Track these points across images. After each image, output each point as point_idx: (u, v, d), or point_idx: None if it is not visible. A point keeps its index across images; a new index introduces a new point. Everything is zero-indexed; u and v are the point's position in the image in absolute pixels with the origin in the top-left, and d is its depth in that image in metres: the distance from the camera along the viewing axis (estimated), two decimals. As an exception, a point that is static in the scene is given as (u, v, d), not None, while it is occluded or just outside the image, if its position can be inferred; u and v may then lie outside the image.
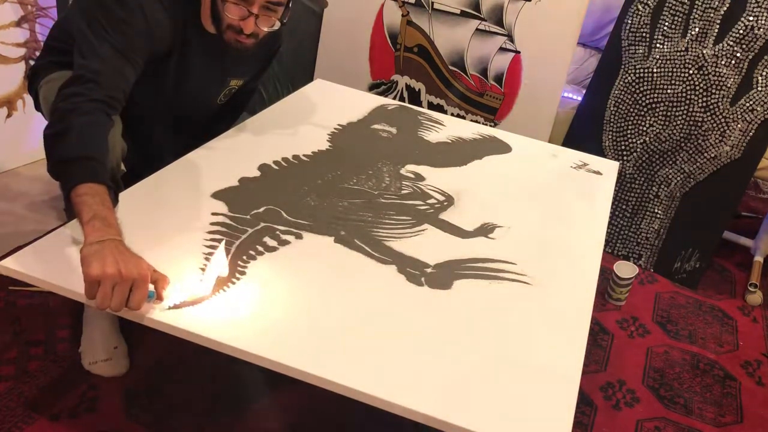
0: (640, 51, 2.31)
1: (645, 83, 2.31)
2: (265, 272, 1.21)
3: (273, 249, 1.28)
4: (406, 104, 2.19)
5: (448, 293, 1.24)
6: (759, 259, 2.38)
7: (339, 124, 1.83)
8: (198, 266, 1.18)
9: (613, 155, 2.37)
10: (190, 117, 1.69)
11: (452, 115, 2.54)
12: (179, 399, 1.50)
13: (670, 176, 2.31)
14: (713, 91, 2.22)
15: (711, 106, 2.23)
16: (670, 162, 2.31)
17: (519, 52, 2.45)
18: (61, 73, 1.47)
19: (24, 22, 2.25)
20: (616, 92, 2.36)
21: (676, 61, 2.26)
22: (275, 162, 1.57)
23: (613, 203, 2.11)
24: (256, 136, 1.69)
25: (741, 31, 2.17)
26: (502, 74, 2.49)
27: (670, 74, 2.27)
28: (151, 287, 1.05)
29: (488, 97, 2.53)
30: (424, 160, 1.72)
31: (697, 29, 2.23)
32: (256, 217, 1.35)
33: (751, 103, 2.17)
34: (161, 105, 1.59)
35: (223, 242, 1.25)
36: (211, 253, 1.21)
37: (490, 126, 2.39)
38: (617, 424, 1.66)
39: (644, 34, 2.30)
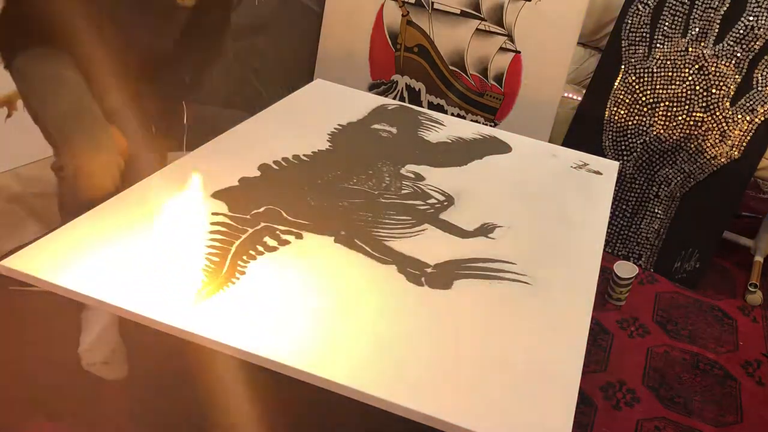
0: (640, 51, 2.31)
1: (645, 83, 2.31)
2: (265, 272, 1.21)
3: (273, 249, 1.28)
4: (406, 104, 2.19)
5: (448, 293, 1.24)
6: (759, 259, 2.38)
7: (339, 124, 1.83)
8: (198, 266, 1.18)
9: (613, 155, 2.37)
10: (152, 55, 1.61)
11: (452, 115, 2.54)
12: (179, 399, 1.50)
13: (670, 176, 2.31)
14: (713, 91, 2.22)
15: (711, 106, 2.23)
16: (670, 162, 2.31)
17: (519, 52, 2.45)
18: None
19: (24, 22, 2.24)
20: (616, 92, 2.36)
21: (677, 61, 2.26)
22: (275, 162, 1.57)
23: (613, 203, 2.11)
24: (256, 136, 1.69)
25: (741, 31, 2.17)
26: (502, 74, 2.49)
27: (670, 74, 2.27)
28: None
29: (488, 97, 2.53)
30: (424, 160, 1.72)
31: (697, 29, 2.23)
32: (256, 217, 1.35)
33: (751, 103, 2.17)
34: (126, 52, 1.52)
35: None
36: (211, 253, 1.21)
37: (490, 126, 2.39)
38: (617, 424, 1.67)
39: (644, 34, 2.30)
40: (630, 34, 2.32)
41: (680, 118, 2.27)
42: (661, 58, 2.28)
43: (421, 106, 2.44)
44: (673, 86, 2.27)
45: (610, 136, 2.39)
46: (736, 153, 2.21)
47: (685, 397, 1.78)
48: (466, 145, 1.86)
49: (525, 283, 1.30)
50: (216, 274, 1.17)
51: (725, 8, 2.18)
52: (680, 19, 2.25)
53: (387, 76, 2.63)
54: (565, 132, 2.49)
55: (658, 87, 2.29)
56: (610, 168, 1.86)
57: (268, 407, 1.52)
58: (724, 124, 2.21)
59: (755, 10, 2.15)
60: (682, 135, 2.28)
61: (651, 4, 2.28)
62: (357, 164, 1.64)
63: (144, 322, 1.07)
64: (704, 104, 2.24)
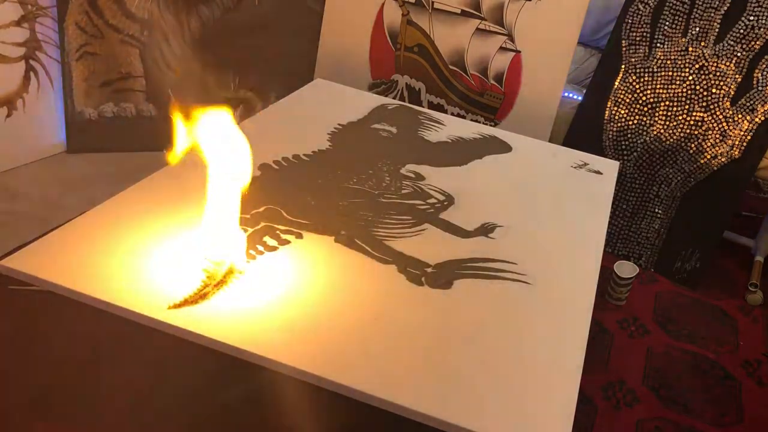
0: (641, 51, 2.31)
1: (645, 83, 2.31)
2: (266, 272, 1.21)
3: (273, 249, 1.28)
4: (406, 104, 2.19)
5: (448, 293, 1.24)
6: (759, 258, 2.38)
7: (339, 124, 1.83)
8: (198, 266, 1.18)
9: (613, 155, 2.37)
10: None
11: (452, 114, 2.54)
12: (179, 399, 1.50)
13: (670, 176, 2.31)
14: (713, 90, 2.22)
15: (711, 106, 2.23)
16: (671, 161, 2.31)
17: (519, 52, 2.45)
18: None
19: (24, 21, 2.24)
20: (617, 92, 2.36)
21: (677, 61, 2.26)
22: (275, 162, 1.57)
23: (613, 203, 2.10)
24: (256, 136, 1.69)
25: (741, 31, 2.17)
26: (502, 74, 2.49)
27: (670, 74, 2.27)
28: None
29: (488, 97, 2.53)
30: (424, 159, 1.72)
31: (697, 29, 2.23)
32: (256, 217, 1.35)
33: (751, 102, 2.17)
34: None
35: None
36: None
37: (491, 125, 2.39)
38: (617, 424, 1.67)
39: (644, 34, 2.30)
40: (630, 34, 2.32)
41: (680, 117, 2.27)
42: (662, 57, 2.28)
43: (421, 106, 2.44)
44: (674, 86, 2.27)
45: (610, 136, 2.39)
46: (736, 153, 2.21)
47: (685, 397, 1.78)
48: (466, 144, 1.86)
49: (525, 283, 1.30)
50: (216, 274, 1.17)
51: (725, 8, 2.18)
52: (680, 19, 2.25)
53: (387, 76, 2.63)
54: (565, 132, 2.49)
55: (658, 87, 2.29)
56: (610, 168, 1.86)
57: (268, 406, 1.52)
58: (724, 124, 2.21)
59: (755, 9, 2.15)
60: (682, 135, 2.28)
61: (651, 4, 2.28)
62: (357, 164, 1.64)
63: (144, 321, 1.07)
64: (704, 104, 2.24)
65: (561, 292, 1.30)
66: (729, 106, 2.20)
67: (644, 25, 2.30)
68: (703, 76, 2.23)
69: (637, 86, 2.32)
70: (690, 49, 2.24)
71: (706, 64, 2.22)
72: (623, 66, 2.34)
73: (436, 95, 2.59)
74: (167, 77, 2.50)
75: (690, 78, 2.25)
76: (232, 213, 1.20)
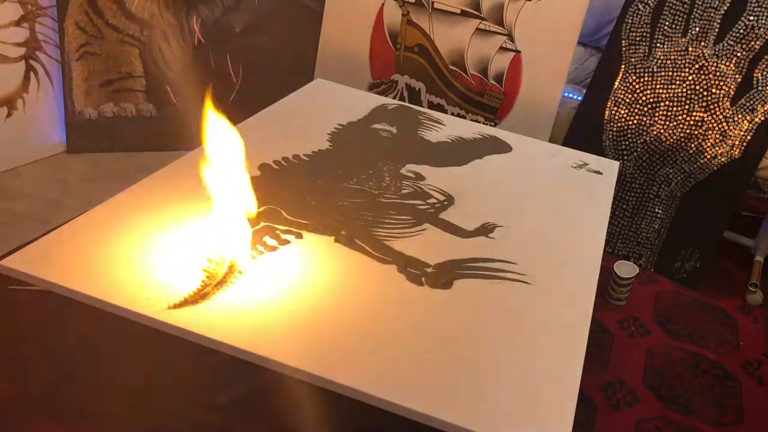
0: (641, 51, 2.31)
1: (645, 83, 2.31)
2: (265, 272, 1.21)
3: (273, 249, 1.28)
4: (406, 104, 2.19)
5: (448, 293, 1.24)
6: (759, 258, 2.37)
7: (339, 124, 1.83)
8: (198, 266, 1.18)
9: (613, 155, 2.37)
10: None
11: (452, 114, 2.54)
12: (179, 399, 1.50)
13: (670, 176, 2.31)
14: (713, 90, 2.22)
15: (711, 106, 2.23)
16: (671, 161, 2.31)
17: (519, 52, 2.45)
18: None
19: (24, 21, 2.25)
20: (617, 92, 2.36)
21: (677, 61, 2.26)
22: (275, 162, 1.57)
23: (613, 203, 2.10)
24: (256, 136, 1.69)
25: (741, 31, 2.17)
26: (502, 74, 2.49)
27: (670, 74, 2.27)
28: None
29: (488, 97, 2.53)
30: (424, 159, 1.72)
31: (697, 29, 2.23)
32: (256, 217, 1.35)
33: (751, 102, 2.17)
34: None
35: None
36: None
37: (491, 125, 2.39)
38: (617, 424, 1.67)
39: (644, 34, 2.30)
40: (630, 34, 2.32)
41: (680, 117, 2.28)
42: (662, 57, 2.28)
43: (421, 106, 2.43)
44: (674, 86, 2.27)
45: (610, 136, 2.39)
46: (736, 153, 2.21)
47: (685, 397, 1.78)
48: (466, 144, 1.86)
49: (525, 283, 1.30)
50: (216, 274, 1.17)
51: (725, 8, 2.18)
52: (680, 19, 2.25)
53: (387, 76, 2.63)
54: (565, 132, 2.49)
55: (658, 87, 2.29)
56: (610, 168, 1.86)
57: (267, 406, 1.52)
58: (724, 124, 2.21)
59: (755, 9, 2.15)
60: (682, 135, 2.28)
61: (651, 4, 2.28)
62: (357, 164, 1.64)
63: (144, 321, 1.07)
64: (704, 104, 2.24)
65: (561, 292, 1.30)
66: (729, 106, 2.20)
67: (644, 25, 2.30)
68: (703, 76, 2.23)
69: (637, 86, 2.32)
70: (690, 49, 2.24)
71: (706, 64, 2.22)
72: (623, 66, 2.34)
73: (436, 95, 2.59)
74: (167, 77, 2.50)
75: (690, 78, 2.25)
76: (238, 212, 1.20)
